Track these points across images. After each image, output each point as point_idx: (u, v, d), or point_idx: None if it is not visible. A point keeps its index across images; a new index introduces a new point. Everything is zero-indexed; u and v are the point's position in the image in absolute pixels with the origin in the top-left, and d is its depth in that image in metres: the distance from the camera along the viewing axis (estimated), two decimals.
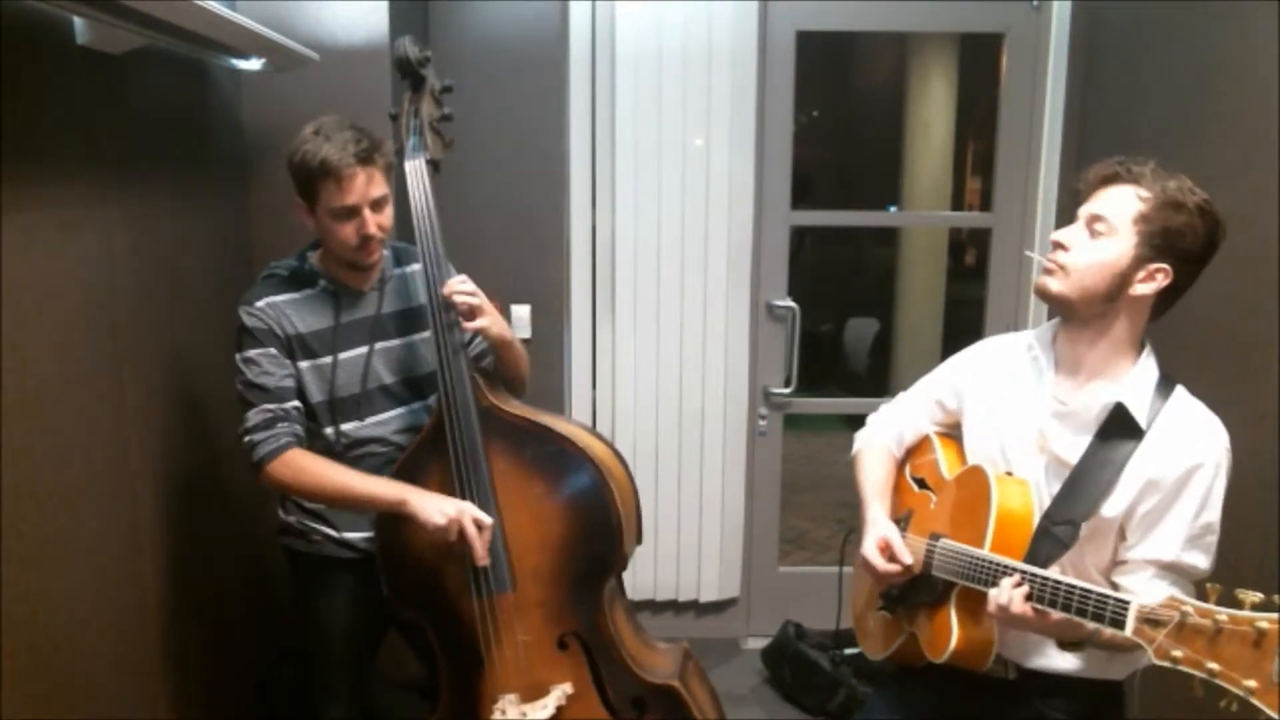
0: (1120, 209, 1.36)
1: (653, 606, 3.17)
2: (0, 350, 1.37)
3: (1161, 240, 1.34)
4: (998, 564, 1.36)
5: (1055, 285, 1.40)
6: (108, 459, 1.69)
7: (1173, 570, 1.36)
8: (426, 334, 1.82)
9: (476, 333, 1.77)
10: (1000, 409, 1.54)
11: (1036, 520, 1.42)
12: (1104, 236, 1.36)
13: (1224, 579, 1.35)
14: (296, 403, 1.73)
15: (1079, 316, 1.42)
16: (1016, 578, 1.32)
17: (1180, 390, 1.42)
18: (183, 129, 2.07)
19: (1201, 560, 1.36)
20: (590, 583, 1.77)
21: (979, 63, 4.45)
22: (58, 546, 1.52)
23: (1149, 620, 1.16)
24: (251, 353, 1.70)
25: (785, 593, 3.22)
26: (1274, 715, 1.06)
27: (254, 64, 2.12)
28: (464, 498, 1.71)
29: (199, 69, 2.14)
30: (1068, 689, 1.47)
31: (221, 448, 2.14)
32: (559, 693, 1.77)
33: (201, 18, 1.57)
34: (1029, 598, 1.30)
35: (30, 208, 1.44)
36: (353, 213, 1.66)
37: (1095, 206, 1.38)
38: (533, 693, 1.77)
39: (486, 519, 1.68)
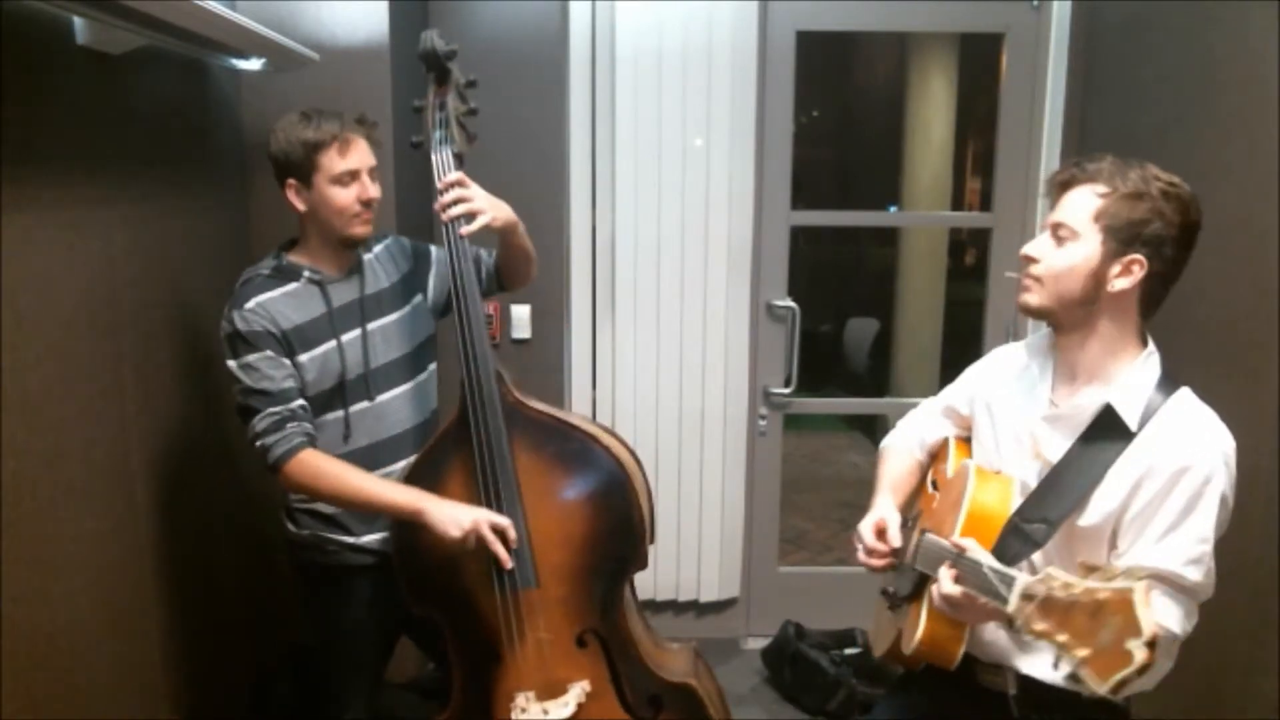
0: (1079, 210, 1.35)
1: (653, 606, 3.17)
2: (0, 350, 1.37)
3: (1126, 232, 1.32)
4: (945, 548, 1.36)
5: (1033, 299, 1.40)
6: (108, 459, 1.69)
7: (1161, 580, 1.28)
8: (418, 299, 1.90)
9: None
10: (998, 414, 1.54)
11: None
12: (1069, 241, 1.35)
13: (1223, 579, 1.34)
14: (302, 401, 1.72)
15: (1064, 323, 1.41)
16: (949, 561, 1.32)
17: (1184, 393, 1.37)
18: (183, 129, 2.07)
19: (1192, 572, 1.28)
20: (611, 580, 1.78)
21: (979, 63, 4.45)
22: (58, 546, 1.52)
23: (1026, 595, 1.14)
24: (250, 358, 1.68)
25: (785, 593, 3.22)
26: (1093, 684, 1.02)
27: (254, 64, 2.11)
28: (487, 493, 1.71)
29: (199, 69, 2.14)
30: (1068, 704, 1.40)
31: (222, 447, 2.14)
32: (578, 690, 1.77)
33: (201, 18, 1.57)
34: (958, 580, 1.29)
35: (30, 208, 1.44)
36: (354, 176, 1.72)
37: (1056, 214, 1.38)
38: (550, 690, 1.77)
39: (505, 521, 1.68)
